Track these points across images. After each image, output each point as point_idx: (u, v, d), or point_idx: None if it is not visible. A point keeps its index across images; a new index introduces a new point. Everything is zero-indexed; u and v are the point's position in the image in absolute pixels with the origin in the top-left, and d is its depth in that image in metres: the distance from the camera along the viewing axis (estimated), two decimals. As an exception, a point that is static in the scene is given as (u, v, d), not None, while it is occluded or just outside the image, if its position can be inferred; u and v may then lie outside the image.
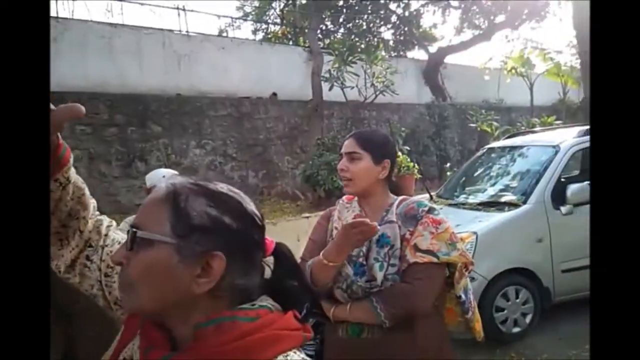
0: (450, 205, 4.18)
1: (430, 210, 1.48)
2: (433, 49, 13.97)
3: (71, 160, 0.82)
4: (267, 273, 0.74)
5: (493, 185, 4.38)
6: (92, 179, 6.75)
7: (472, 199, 4.23)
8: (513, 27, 13.94)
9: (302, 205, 7.67)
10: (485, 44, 17.28)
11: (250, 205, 0.70)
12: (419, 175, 6.94)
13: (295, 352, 0.64)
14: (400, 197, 1.55)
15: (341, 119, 9.81)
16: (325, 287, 1.43)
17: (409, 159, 7.03)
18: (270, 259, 0.74)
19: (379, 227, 1.39)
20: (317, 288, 1.40)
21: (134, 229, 0.65)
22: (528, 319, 3.58)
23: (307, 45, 10.95)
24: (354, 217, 1.49)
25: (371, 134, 1.60)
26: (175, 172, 2.67)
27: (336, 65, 8.69)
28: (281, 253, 0.74)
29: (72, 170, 0.83)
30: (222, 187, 0.70)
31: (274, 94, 9.36)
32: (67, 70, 7.11)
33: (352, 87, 8.61)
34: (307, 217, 4.88)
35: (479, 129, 10.08)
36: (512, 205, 3.75)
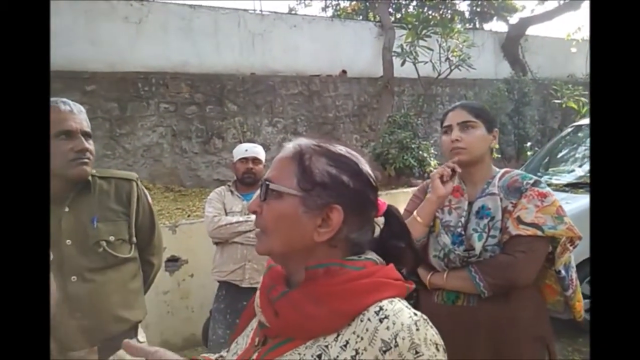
0: (532, 186, 3.99)
1: (536, 183, 1.45)
2: (513, 20, 13.06)
3: None
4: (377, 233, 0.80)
5: (581, 165, 4.11)
6: (175, 154, 7.20)
7: (556, 180, 4.01)
8: (606, -7, 12.59)
9: (372, 184, 7.63)
10: (572, 14, 15.86)
11: (366, 167, 0.77)
12: (497, 155, 6.63)
13: (399, 300, 0.70)
14: (504, 170, 1.54)
15: (412, 95, 9.54)
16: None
17: (485, 138, 6.71)
18: (380, 219, 0.79)
19: (479, 199, 1.39)
20: None
21: (267, 182, 0.74)
22: (616, 308, 3.37)
23: (378, 20, 10.68)
24: (452, 190, 1.50)
25: (479, 104, 1.61)
26: (256, 145, 2.81)
27: (409, 40, 8.39)
28: (392, 214, 0.80)
29: None
30: (341, 148, 0.77)
31: (344, 72, 9.30)
32: (151, 51, 7.56)
33: (426, 62, 8.29)
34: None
35: (564, 105, 9.35)
36: (603, 187, 3.51)
